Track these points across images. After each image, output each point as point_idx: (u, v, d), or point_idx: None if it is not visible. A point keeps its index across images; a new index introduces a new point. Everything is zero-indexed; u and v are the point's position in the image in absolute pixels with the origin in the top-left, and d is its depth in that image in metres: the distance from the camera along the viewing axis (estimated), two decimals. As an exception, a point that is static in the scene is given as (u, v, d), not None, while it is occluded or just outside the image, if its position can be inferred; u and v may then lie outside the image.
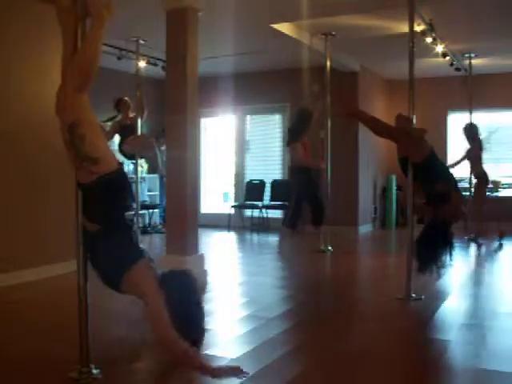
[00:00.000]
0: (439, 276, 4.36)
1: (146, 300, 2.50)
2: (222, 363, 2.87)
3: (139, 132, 6.87)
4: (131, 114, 7.06)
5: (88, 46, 2.55)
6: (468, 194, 7.99)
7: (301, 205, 6.95)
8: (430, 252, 4.22)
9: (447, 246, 4.25)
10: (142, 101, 6.93)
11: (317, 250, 6.80)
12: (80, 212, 2.64)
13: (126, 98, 6.99)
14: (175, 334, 2.40)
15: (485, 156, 8.26)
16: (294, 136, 6.88)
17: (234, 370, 2.48)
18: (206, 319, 3.16)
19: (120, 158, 7.31)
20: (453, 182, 4.49)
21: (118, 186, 2.62)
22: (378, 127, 4.56)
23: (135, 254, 2.62)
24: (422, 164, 4.26)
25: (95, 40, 2.57)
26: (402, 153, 4.40)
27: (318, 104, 6.96)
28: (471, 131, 7.73)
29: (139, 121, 6.90)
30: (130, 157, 7.12)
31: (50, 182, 5.21)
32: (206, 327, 2.67)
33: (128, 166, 8.29)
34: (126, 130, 6.83)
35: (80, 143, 2.49)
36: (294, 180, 7.11)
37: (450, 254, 4.26)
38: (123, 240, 2.63)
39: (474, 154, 7.74)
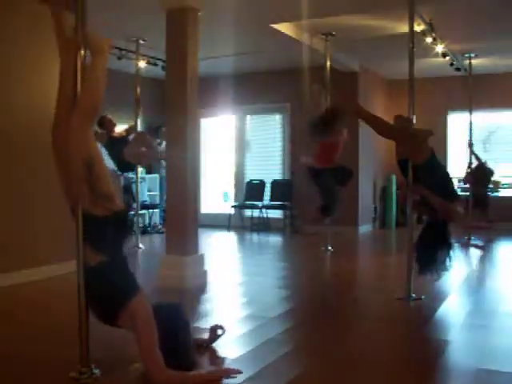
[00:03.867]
0: (439, 277, 4.34)
1: (138, 333, 2.50)
2: (222, 363, 2.88)
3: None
4: (119, 130, 7.10)
5: (93, 82, 2.58)
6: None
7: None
8: (430, 254, 4.20)
9: (446, 247, 4.23)
10: (149, 139, 7.01)
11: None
12: (80, 230, 2.63)
13: (109, 116, 6.95)
14: (163, 366, 2.44)
15: (485, 156, 8.37)
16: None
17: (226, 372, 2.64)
18: (201, 333, 3.25)
19: (120, 168, 7.39)
20: (451, 183, 4.47)
21: (126, 223, 2.71)
22: (379, 126, 4.50)
23: (135, 287, 2.65)
24: (423, 166, 4.23)
25: (100, 74, 2.60)
26: (401, 154, 4.36)
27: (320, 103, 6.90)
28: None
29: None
30: (130, 167, 7.10)
31: (50, 181, 5.17)
32: (195, 359, 2.72)
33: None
34: (118, 145, 6.79)
35: (96, 180, 2.52)
36: None
37: (450, 255, 4.24)
38: (124, 272, 2.67)
39: None
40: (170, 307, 2.77)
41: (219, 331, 3.19)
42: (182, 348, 2.64)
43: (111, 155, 6.65)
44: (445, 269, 4.25)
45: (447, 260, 4.21)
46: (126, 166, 7.00)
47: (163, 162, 8.95)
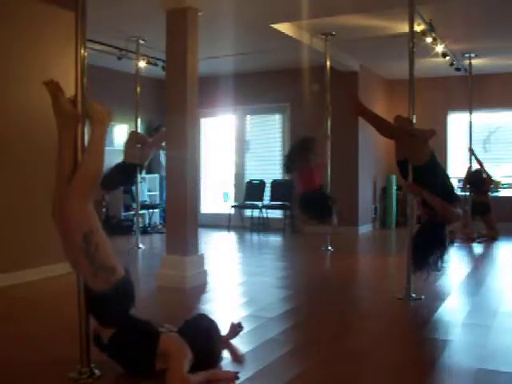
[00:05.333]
0: (433, 275, 4.32)
1: (174, 362, 2.52)
2: (222, 363, 2.88)
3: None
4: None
5: (93, 154, 2.57)
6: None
7: None
8: (423, 254, 4.19)
9: (440, 248, 4.20)
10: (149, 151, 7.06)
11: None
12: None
13: None
14: (187, 378, 2.48)
15: (485, 156, 8.36)
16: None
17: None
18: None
19: (125, 177, 7.40)
20: (451, 184, 4.46)
21: (130, 289, 2.69)
22: (382, 126, 4.46)
23: (153, 332, 2.65)
24: (423, 167, 4.21)
25: (99, 147, 2.59)
26: (401, 155, 4.35)
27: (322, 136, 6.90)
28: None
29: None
30: (133, 172, 7.09)
31: (49, 182, 5.17)
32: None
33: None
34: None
35: (95, 252, 2.49)
36: None
37: (443, 257, 4.20)
38: (138, 328, 2.67)
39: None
40: (200, 320, 2.87)
41: (238, 328, 3.23)
42: (215, 350, 2.79)
43: (111, 176, 6.67)
44: (437, 269, 4.24)
45: (440, 261, 4.19)
46: (129, 171, 6.98)
47: (163, 162, 8.97)
